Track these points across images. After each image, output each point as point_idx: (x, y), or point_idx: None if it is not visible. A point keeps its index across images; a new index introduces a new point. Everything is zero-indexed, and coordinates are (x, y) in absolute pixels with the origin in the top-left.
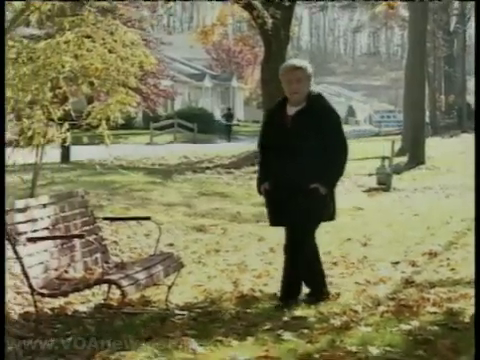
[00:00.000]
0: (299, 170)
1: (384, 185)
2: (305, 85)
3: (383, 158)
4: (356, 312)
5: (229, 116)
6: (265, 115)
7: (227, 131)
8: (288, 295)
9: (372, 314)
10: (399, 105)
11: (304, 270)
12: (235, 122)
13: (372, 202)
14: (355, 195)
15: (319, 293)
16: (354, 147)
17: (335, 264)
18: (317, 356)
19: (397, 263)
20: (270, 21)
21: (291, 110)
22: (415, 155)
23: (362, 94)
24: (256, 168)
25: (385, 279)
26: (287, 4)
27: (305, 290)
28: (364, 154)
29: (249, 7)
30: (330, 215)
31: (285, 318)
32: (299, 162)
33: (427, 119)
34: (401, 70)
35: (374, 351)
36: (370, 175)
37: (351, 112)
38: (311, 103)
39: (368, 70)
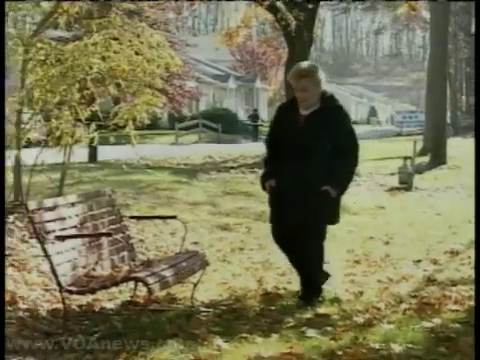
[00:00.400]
0: (309, 170)
1: (406, 184)
2: (312, 92)
3: (405, 158)
4: (379, 310)
5: (255, 117)
6: (276, 112)
7: (253, 131)
8: (308, 294)
9: (394, 312)
10: (421, 106)
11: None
12: (259, 122)
13: (394, 201)
14: (377, 194)
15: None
16: (376, 147)
17: (358, 262)
18: (340, 353)
19: (419, 261)
20: (294, 23)
21: (305, 111)
22: (437, 155)
23: (384, 95)
24: None
25: (407, 277)
26: (310, 6)
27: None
28: (386, 154)
29: (273, 9)
30: (331, 219)
31: (309, 315)
32: (310, 162)
33: (448, 119)
34: (423, 71)
35: (396, 348)
36: (392, 175)
37: (373, 113)
38: (325, 104)
39: (390, 71)
